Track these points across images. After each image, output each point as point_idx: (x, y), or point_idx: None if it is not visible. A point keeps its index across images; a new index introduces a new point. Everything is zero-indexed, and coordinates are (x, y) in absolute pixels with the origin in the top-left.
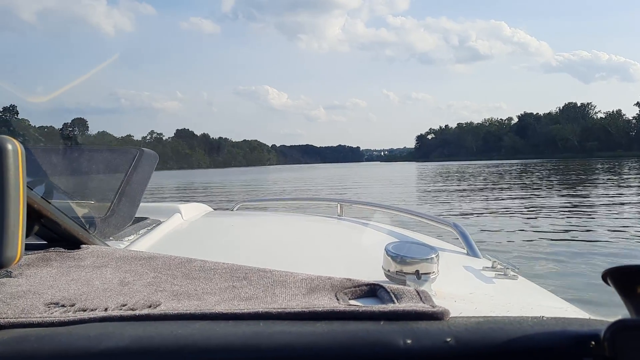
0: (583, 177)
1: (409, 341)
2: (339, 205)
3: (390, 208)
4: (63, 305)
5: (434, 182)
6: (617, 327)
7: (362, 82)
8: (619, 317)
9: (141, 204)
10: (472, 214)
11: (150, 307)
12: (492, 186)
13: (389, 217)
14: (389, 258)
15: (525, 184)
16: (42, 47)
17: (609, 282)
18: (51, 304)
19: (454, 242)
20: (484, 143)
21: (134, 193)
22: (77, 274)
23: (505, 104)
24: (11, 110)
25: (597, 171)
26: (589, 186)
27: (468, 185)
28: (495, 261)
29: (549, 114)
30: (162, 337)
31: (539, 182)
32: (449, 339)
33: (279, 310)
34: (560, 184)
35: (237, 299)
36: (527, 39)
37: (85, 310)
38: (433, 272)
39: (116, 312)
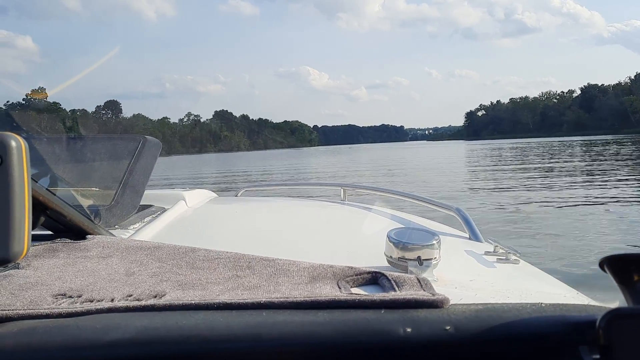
0: None
1: (408, 329)
2: (342, 189)
3: (394, 192)
4: (70, 297)
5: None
6: (612, 316)
7: (404, 60)
8: (617, 303)
9: (146, 191)
10: None
11: (155, 297)
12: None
13: (392, 201)
14: (391, 244)
15: None
16: (87, 34)
17: (606, 269)
18: (59, 295)
19: (459, 227)
20: (542, 119)
21: (138, 181)
22: (83, 264)
23: (554, 78)
24: (39, 92)
25: None
26: None
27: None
28: (497, 245)
29: (619, 84)
30: (167, 328)
31: None
32: (448, 327)
33: (282, 299)
34: None
35: (241, 288)
36: (577, 9)
37: (92, 301)
38: (435, 257)
39: (122, 303)
